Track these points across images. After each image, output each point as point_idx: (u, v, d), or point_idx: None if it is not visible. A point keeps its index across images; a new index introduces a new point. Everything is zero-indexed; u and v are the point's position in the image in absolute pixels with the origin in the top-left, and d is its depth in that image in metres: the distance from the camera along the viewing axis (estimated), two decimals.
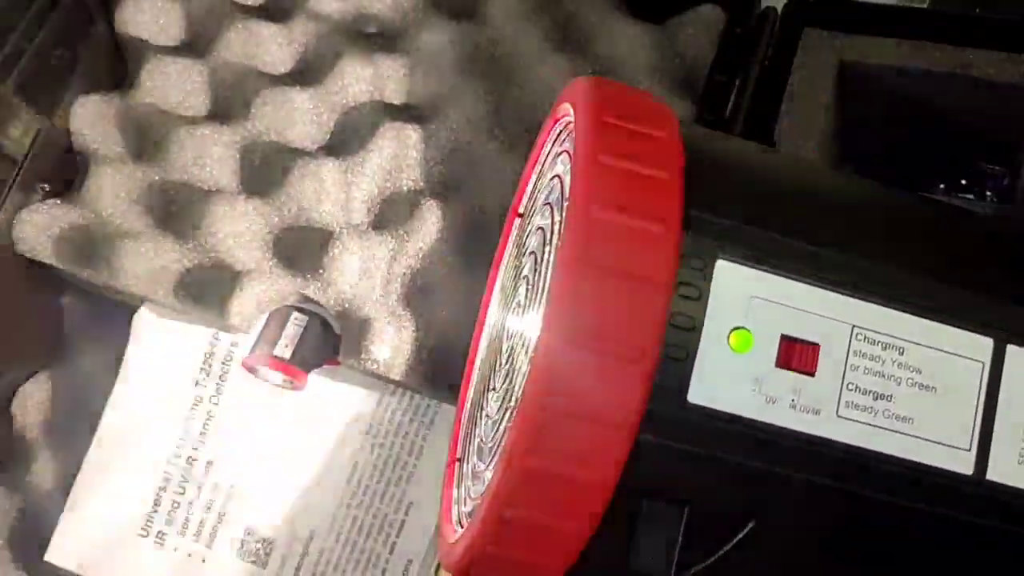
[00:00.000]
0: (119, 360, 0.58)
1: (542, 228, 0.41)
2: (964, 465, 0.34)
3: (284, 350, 0.56)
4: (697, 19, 0.58)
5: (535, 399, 0.31)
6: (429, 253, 0.55)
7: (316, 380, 0.56)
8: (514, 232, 0.49)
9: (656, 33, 0.58)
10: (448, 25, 0.60)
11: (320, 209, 0.57)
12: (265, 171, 0.59)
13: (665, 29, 0.58)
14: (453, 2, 0.61)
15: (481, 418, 0.43)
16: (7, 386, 0.61)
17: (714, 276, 0.33)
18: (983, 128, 0.54)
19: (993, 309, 0.35)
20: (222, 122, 0.60)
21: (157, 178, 0.59)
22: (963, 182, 0.56)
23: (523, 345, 0.40)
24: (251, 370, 0.57)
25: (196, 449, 0.57)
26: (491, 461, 0.39)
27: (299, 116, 0.59)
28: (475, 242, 0.55)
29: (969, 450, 0.34)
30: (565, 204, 0.37)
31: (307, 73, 0.61)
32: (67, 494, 0.58)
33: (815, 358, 0.33)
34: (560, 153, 0.41)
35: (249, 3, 0.63)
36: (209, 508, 0.57)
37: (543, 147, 0.45)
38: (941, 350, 0.34)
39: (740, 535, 0.34)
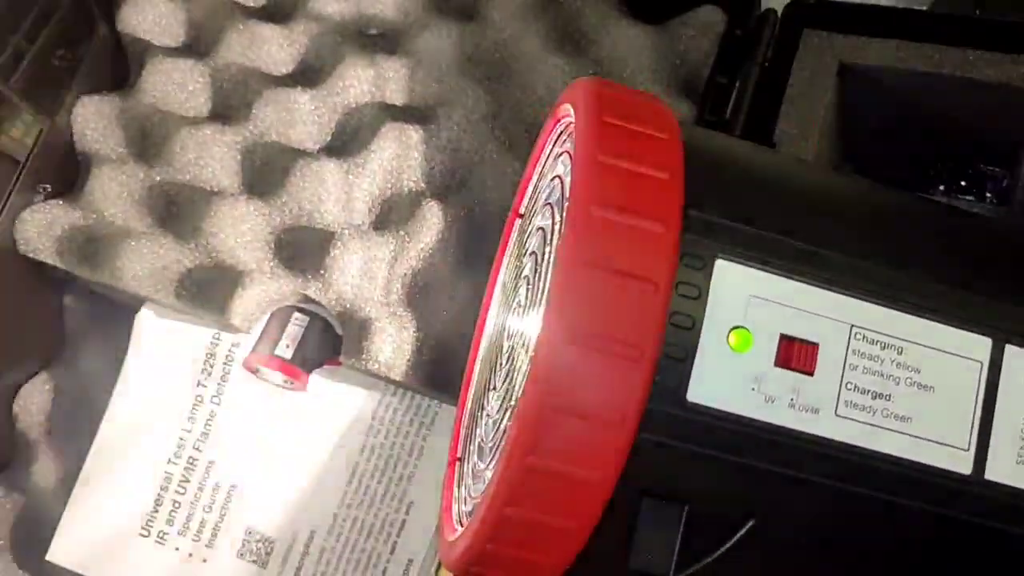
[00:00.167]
0: (120, 360, 0.58)
1: (543, 228, 0.41)
2: (962, 464, 0.34)
3: (285, 350, 0.56)
4: (697, 21, 0.58)
5: (535, 397, 0.32)
6: (430, 253, 0.55)
7: (317, 380, 0.57)
8: (515, 233, 0.49)
9: (656, 34, 0.58)
10: (449, 26, 0.60)
11: (321, 209, 0.57)
12: (266, 172, 0.59)
13: (665, 30, 0.58)
14: (454, 3, 0.61)
15: (482, 418, 0.44)
16: (9, 386, 0.61)
17: (714, 275, 0.33)
18: (983, 129, 0.54)
19: (992, 309, 0.35)
20: (224, 123, 0.60)
21: (159, 178, 0.59)
22: (963, 184, 0.56)
23: (523, 345, 0.40)
24: (252, 370, 0.57)
25: (197, 449, 0.57)
26: (491, 460, 0.39)
27: (300, 117, 0.59)
28: (476, 243, 0.55)
29: (967, 450, 0.34)
30: (566, 204, 0.37)
31: (308, 74, 0.61)
32: (68, 494, 0.58)
33: (814, 357, 0.33)
34: (561, 154, 0.42)
35: (251, 4, 0.63)
36: (210, 508, 0.57)
37: (544, 148, 0.45)
38: (940, 350, 0.34)
39: (739, 534, 0.34)
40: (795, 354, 0.33)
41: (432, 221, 0.55)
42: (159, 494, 0.57)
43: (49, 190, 0.59)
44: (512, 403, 0.38)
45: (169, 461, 0.57)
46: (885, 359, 0.34)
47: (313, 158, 0.58)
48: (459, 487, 0.43)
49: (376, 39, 0.62)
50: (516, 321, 0.43)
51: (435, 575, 0.55)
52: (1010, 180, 0.54)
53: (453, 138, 0.57)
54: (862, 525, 0.35)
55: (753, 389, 0.33)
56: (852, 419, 0.33)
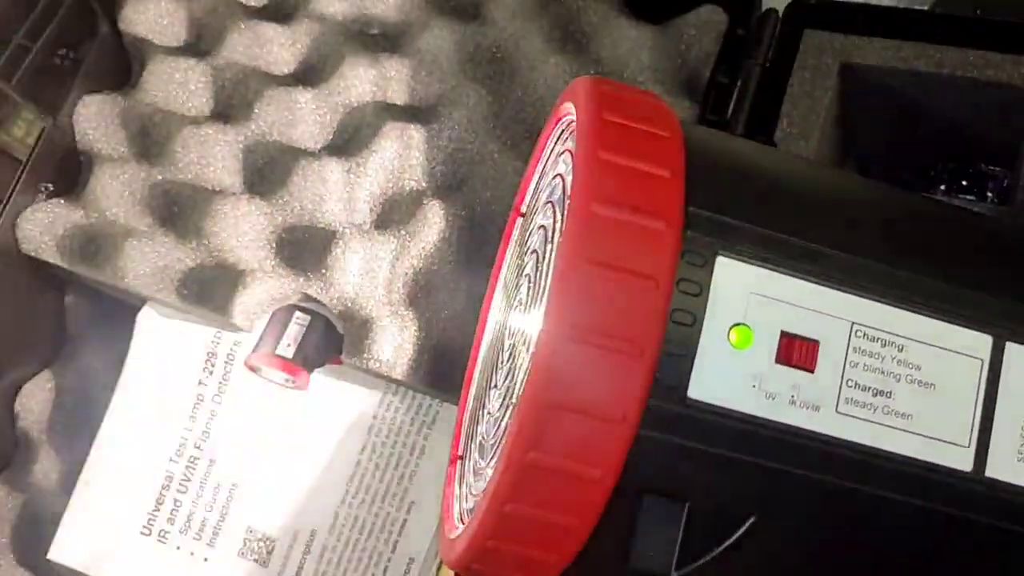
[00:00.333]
0: (122, 359, 0.59)
1: (544, 226, 0.41)
2: (963, 462, 0.34)
3: (287, 349, 0.56)
4: (699, 20, 0.58)
5: (536, 394, 0.32)
6: (431, 252, 0.55)
7: (318, 379, 0.57)
8: (516, 231, 0.49)
9: (658, 34, 0.58)
10: (450, 26, 0.60)
11: (323, 209, 0.57)
12: (268, 171, 0.59)
13: (667, 30, 0.58)
14: (455, 3, 0.61)
15: (483, 416, 0.44)
16: (11, 384, 0.61)
17: (714, 273, 0.33)
18: (984, 129, 0.54)
19: (992, 307, 0.35)
20: (225, 122, 0.60)
21: (160, 178, 0.59)
22: (964, 183, 0.56)
23: (525, 342, 0.40)
24: (254, 369, 0.57)
25: (199, 448, 0.57)
26: (492, 458, 0.39)
27: (302, 116, 0.59)
28: (477, 241, 0.55)
29: (968, 447, 0.34)
30: (567, 202, 0.37)
31: (310, 73, 0.61)
32: (70, 492, 0.58)
33: (815, 355, 0.33)
34: (562, 152, 0.42)
35: (253, 4, 0.64)
36: (211, 507, 0.57)
37: (545, 146, 0.45)
38: (940, 347, 0.34)
39: (740, 531, 0.34)
40: (796, 351, 0.33)
41: (433, 220, 0.55)
42: (160, 493, 0.57)
43: (51, 189, 0.59)
44: (513, 400, 0.38)
45: (170, 460, 0.57)
46: (886, 356, 0.34)
47: (314, 157, 0.58)
48: (460, 485, 0.43)
49: (378, 39, 0.62)
50: (517, 319, 0.43)
51: (436, 574, 0.55)
52: (1011, 180, 0.54)
53: (454, 137, 0.57)
54: (862, 522, 0.35)
55: (754, 386, 0.33)
56: (853, 416, 0.33)
